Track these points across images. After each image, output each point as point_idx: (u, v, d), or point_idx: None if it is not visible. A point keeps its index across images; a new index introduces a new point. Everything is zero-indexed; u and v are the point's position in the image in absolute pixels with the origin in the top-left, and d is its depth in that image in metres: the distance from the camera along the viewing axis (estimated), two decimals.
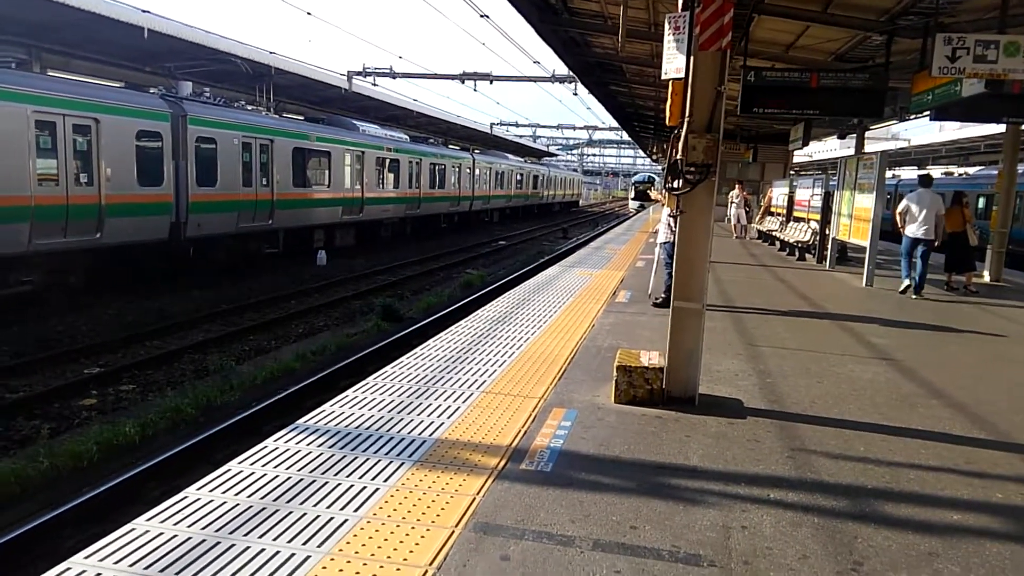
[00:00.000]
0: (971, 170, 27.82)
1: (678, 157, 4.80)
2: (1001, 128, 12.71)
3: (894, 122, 20.03)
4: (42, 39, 15.10)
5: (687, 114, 4.79)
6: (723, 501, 3.48)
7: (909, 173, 35.46)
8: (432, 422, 4.36)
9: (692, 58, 4.78)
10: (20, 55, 14.09)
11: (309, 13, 20.78)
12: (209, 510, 3.14)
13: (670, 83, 5.62)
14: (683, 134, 4.77)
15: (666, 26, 5.54)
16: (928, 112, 10.47)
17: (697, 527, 3.19)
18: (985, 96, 9.10)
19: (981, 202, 22.19)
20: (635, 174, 79.97)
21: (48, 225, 11.75)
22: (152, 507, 3.18)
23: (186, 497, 3.26)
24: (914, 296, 10.62)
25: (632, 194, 65.31)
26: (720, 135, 4.75)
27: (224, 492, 3.32)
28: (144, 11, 14.67)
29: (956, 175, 27.46)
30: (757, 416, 4.76)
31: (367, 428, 4.22)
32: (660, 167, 63.19)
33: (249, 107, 19.08)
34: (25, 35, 14.61)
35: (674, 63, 5.40)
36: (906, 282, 10.93)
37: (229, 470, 3.58)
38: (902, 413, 5.00)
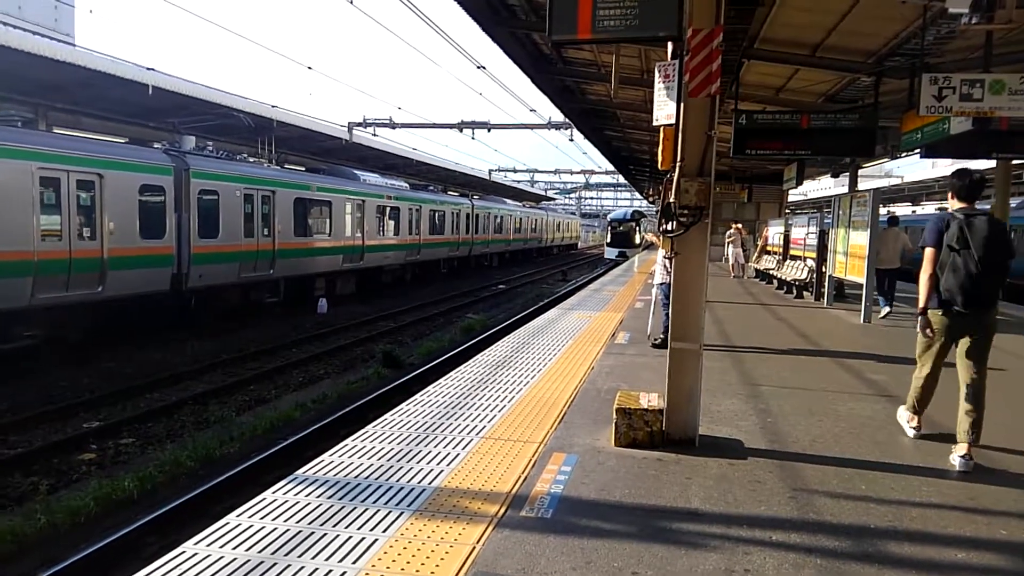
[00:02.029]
0: None
1: (671, 200, 4.87)
2: (991, 163, 12.88)
3: (886, 160, 20.29)
4: (48, 97, 15.43)
5: (679, 158, 4.88)
6: (725, 544, 3.45)
7: (903, 210, 35.74)
8: (432, 470, 4.34)
9: (682, 104, 4.89)
10: (27, 113, 14.42)
11: (310, 67, 21.34)
12: (206, 566, 3.11)
13: (662, 128, 5.74)
14: (675, 178, 4.85)
15: (656, 74, 5.68)
16: (918, 150, 10.63)
17: (699, 571, 3.16)
18: (973, 133, 9.26)
19: None
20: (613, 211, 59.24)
21: (51, 280, 11.84)
22: (150, 562, 3.16)
23: (183, 552, 3.24)
24: (886, 309, 12.09)
25: (608, 238, 46.13)
26: (712, 178, 4.83)
27: (222, 547, 3.29)
28: (149, 68, 15.03)
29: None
30: (758, 456, 4.74)
31: (366, 477, 4.20)
32: (655, 208, 58.61)
33: (251, 159, 19.38)
34: (32, 94, 14.94)
35: (665, 110, 5.52)
36: (886, 309, 12.16)
37: (227, 523, 3.56)
38: (902, 450, 4.98)
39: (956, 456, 4.69)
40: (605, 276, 22.58)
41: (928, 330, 4.90)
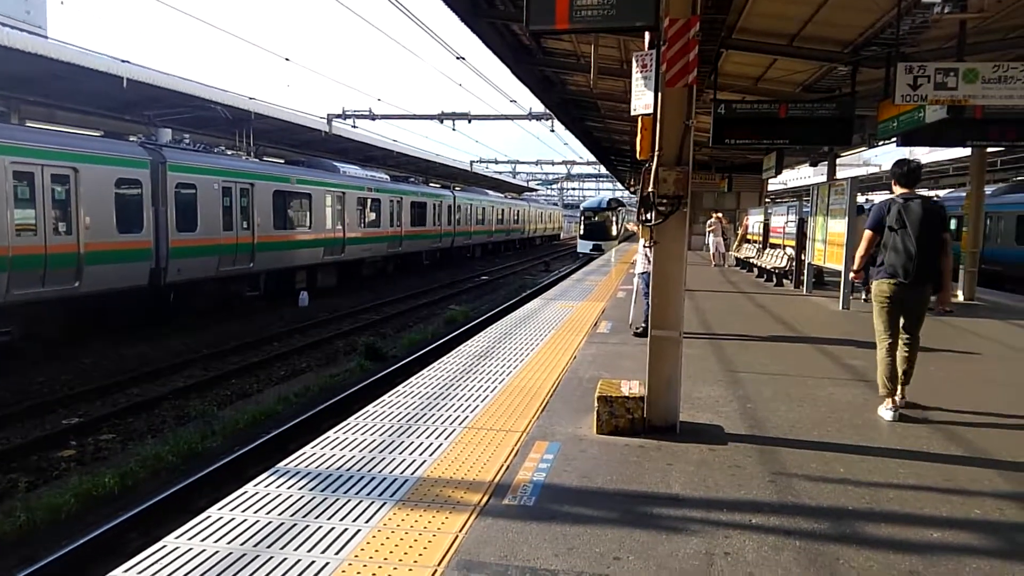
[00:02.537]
0: (941, 192, 28.39)
1: (650, 190, 4.90)
2: (967, 152, 13.05)
3: (864, 149, 20.49)
4: (21, 91, 15.17)
5: (657, 148, 4.90)
6: (706, 528, 3.49)
7: (881, 197, 36.08)
8: (414, 460, 4.35)
9: (660, 94, 4.90)
10: None
11: (287, 59, 21.10)
12: (187, 559, 3.10)
13: (640, 118, 5.76)
14: (654, 167, 4.87)
15: (633, 64, 5.70)
16: (895, 138, 10.75)
17: (681, 555, 3.20)
18: (948, 122, 9.39)
19: (952, 223, 22.63)
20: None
21: (26, 275, 11.67)
22: (131, 558, 3.14)
23: (164, 547, 3.22)
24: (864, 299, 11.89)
25: (580, 230, 40.27)
26: (690, 167, 4.86)
27: (203, 540, 3.28)
28: (123, 61, 14.82)
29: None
30: (738, 442, 4.79)
31: (348, 469, 4.20)
32: (636, 197, 57.53)
33: (229, 152, 19.18)
34: (4, 87, 14.68)
35: (643, 99, 5.55)
36: (864, 293, 12.22)
37: (209, 516, 3.54)
38: (880, 433, 5.05)
39: (884, 408, 5.41)
40: (587, 266, 22.64)
41: (877, 296, 5.54)
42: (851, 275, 6.14)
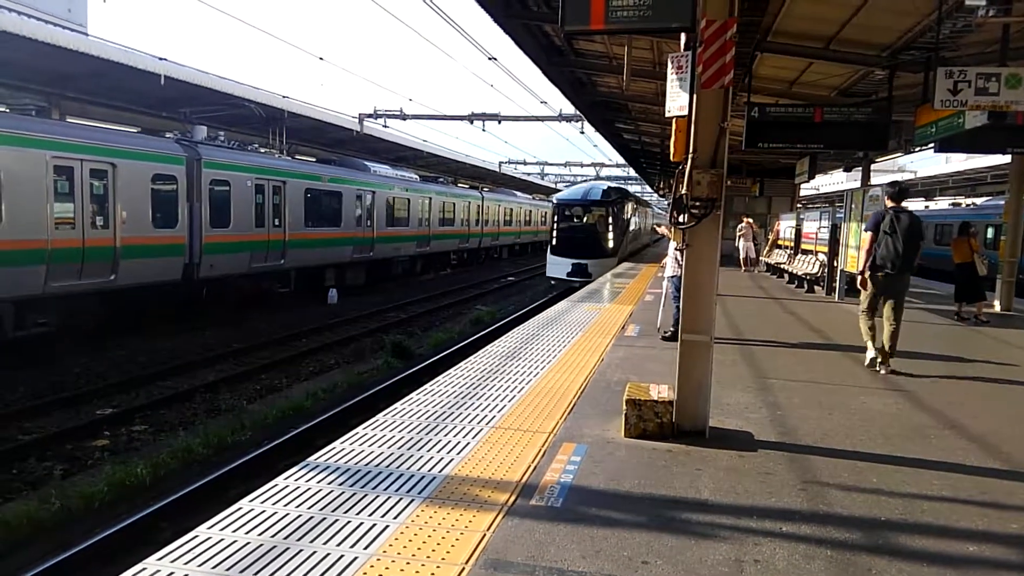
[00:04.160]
0: (978, 200, 27.80)
1: (683, 192, 4.86)
2: (1007, 159, 12.74)
3: (900, 154, 20.13)
4: (62, 87, 15.53)
5: (691, 150, 4.87)
6: (735, 535, 3.45)
7: (916, 204, 35.48)
8: (442, 458, 4.36)
9: (695, 96, 4.87)
10: (40, 103, 14.51)
11: (321, 58, 21.39)
12: (219, 549, 3.14)
13: (674, 120, 5.72)
14: (687, 169, 4.84)
15: (669, 65, 5.66)
16: (932, 144, 10.53)
17: (709, 561, 3.17)
18: (989, 128, 9.19)
19: (990, 232, 22.15)
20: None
21: (64, 268, 11.93)
22: (162, 547, 3.19)
23: (197, 536, 3.27)
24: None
25: (552, 239, 22.75)
26: (724, 170, 4.81)
27: (234, 531, 3.33)
28: (161, 59, 15.09)
29: (964, 205, 27.46)
30: (768, 449, 4.74)
31: (377, 465, 4.23)
32: (656, 195, 51.53)
33: (262, 150, 19.44)
34: (46, 83, 15.05)
35: (677, 101, 5.51)
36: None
37: (240, 508, 3.59)
38: (915, 444, 4.96)
39: (880, 365, 7.26)
40: (616, 268, 22.53)
41: (867, 285, 7.34)
42: (859, 277, 7.47)
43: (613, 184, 30.20)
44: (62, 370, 11.06)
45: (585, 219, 23.24)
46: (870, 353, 7.42)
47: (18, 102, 13.53)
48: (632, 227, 27.43)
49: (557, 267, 21.88)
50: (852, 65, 11.45)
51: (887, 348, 7.21)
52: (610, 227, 22.85)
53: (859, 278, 7.43)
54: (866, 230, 7.23)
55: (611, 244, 22.65)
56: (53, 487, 6.83)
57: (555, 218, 23.04)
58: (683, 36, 5.76)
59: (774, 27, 10.06)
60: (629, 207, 26.45)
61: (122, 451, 8.06)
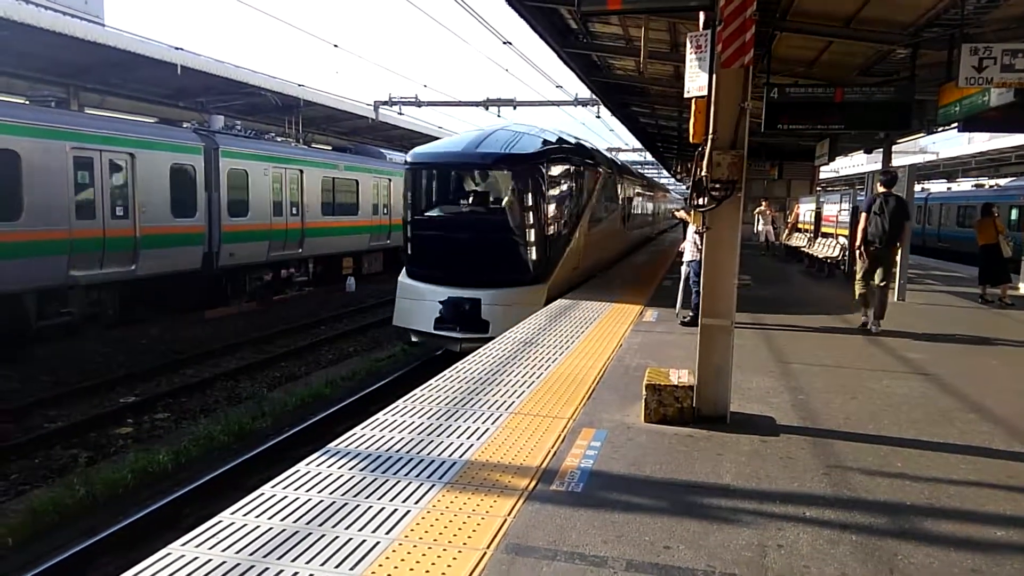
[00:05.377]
0: (1002, 181, 27.31)
1: (703, 174, 4.80)
2: None
3: (922, 135, 19.77)
4: (80, 78, 15.63)
5: (711, 131, 4.79)
6: (758, 520, 3.42)
7: (938, 186, 34.93)
8: (462, 444, 4.36)
9: (715, 76, 4.79)
10: (59, 94, 14.61)
11: (336, 46, 21.35)
12: (243, 534, 3.17)
13: (693, 101, 5.64)
14: (707, 151, 4.77)
15: (688, 45, 5.57)
16: (956, 124, 10.32)
17: (732, 546, 3.15)
18: (1015, 105, 8.99)
19: (1014, 213, 21.77)
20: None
21: (86, 257, 12.06)
22: (186, 532, 3.22)
23: (220, 522, 3.30)
24: None
25: (409, 245, 11.10)
26: (745, 151, 4.74)
27: (257, 516, 3.35)
28: (177, 48, 15.13)
29: (987, 186, 26.99)
30: (790, 433, 4.69)
31: (397, 451, 4.24)
32: (679, 181, 51.81)
33: (279, 139, 19.49)
34: (64, 75, 15.15)
35: (697, 81, 5.42)
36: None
37: (263, 494, 3.61)
38: (940, 428, 4.89)
39: (872, 325, 8.42)
40: (633, 255, 22.39)
41: (862, 258, 8.57)
42: (857, 251, 8.66)
43: (556, 133, 13.41)
44: (85, 359, 11.20)
45: (481, 199, 11.64)
46: (862, 317, 8.71)
47: (38, 94, 13.64)
48: (603, 218, 15.33)
49: (413, 308, 10.66)
50: (873, 44, 11.21)
51: (877, 313, 8.46)
52: (540, 218, 10.73)
53: (856, 251, 8.67)
54: (862, 210, 8.76)
55: (538, 255, 10.76)
56: (77, 474, 6.93)
57: (410, 200, 11.57)
58: (702, 15, 5.67)
59: (793, 6, 9.87)
60: (591, 179, 13.78)
61: (145, 439, 8.16)
